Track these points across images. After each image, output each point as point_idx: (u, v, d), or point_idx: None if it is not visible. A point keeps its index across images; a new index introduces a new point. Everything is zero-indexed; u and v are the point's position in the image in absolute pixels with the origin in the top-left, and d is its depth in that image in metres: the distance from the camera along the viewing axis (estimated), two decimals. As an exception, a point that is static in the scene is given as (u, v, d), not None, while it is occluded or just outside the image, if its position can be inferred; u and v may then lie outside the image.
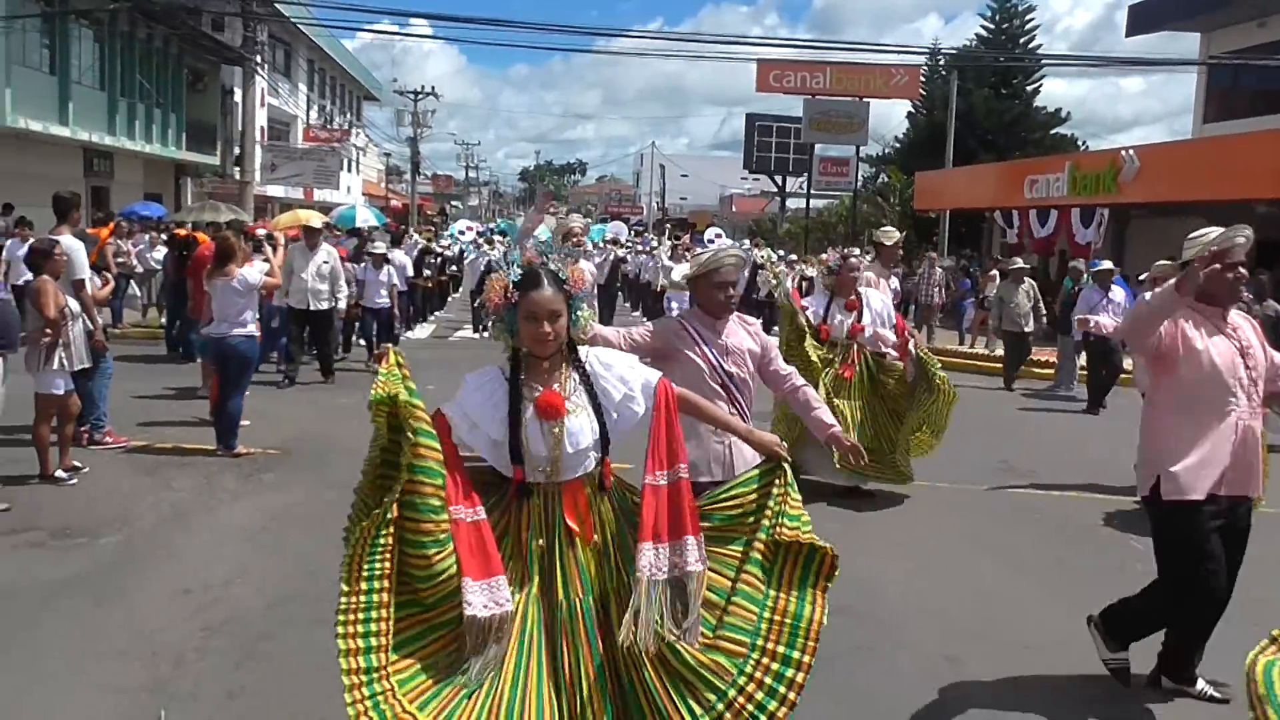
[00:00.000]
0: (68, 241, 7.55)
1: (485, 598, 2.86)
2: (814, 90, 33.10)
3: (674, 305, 15.42)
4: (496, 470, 3.10)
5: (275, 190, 34.36)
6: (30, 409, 7.11)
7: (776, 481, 3.19)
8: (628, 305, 24.94)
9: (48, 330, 6.97)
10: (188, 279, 11.78)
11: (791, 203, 50.31)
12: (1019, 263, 15.24)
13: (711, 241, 25.49)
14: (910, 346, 7.68)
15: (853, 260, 7.51)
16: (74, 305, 7.25)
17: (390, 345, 3.18)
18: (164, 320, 15.05)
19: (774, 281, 19.79)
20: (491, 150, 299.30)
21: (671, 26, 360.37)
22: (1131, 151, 20.11)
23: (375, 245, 13.88)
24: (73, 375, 7.19)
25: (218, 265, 8.29)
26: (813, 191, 39.95)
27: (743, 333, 4.59)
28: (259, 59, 24.18)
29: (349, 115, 51.49)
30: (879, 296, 7.66)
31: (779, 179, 50.36)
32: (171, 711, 3.89)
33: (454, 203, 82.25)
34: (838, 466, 6.88)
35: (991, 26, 38.61)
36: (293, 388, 11.51)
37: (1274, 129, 19.34)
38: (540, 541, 3.02)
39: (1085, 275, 13.93)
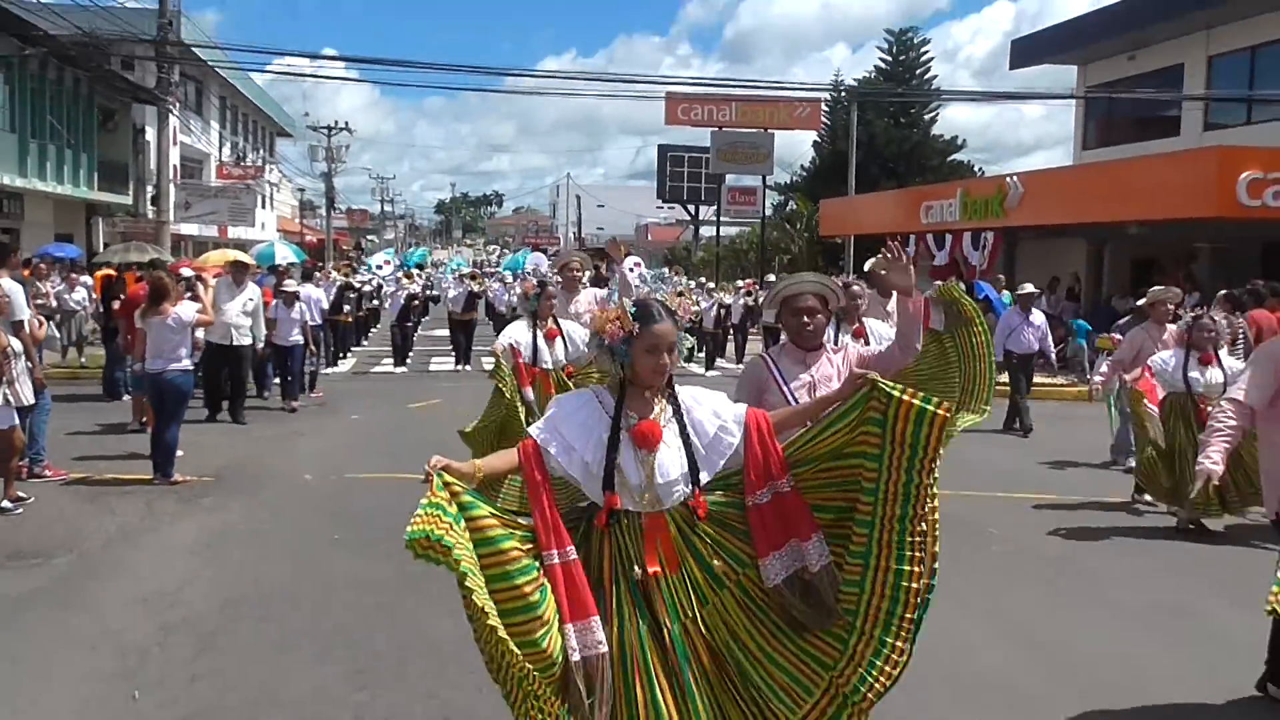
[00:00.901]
0: (8, 284, 8.02)
1: (578, 641, 2.92)
2: (721, 123, 34.24)
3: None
4: (577, 503, 3.20)
5: (189, 229, 34.30)
6: (-28, 446, 7.54)
7: (870, 399, 3.02)
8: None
9: (-9, 369, 7.41)
10: (117, 318, 12.10)
11: (705, 230, 51.55)
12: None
13: (631, 270, 26.09)
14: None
15: (855, 289, 7.14)
16: (16, 344, 7.71)
17: (434, 470, 2.86)
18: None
19: (694, 309, 20.54)
20: (407, 183, 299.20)
21: (584, 56, 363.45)
22: (1016, 178, 21.41)
23: (287, 283, 13.83)
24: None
25: (152, 304, 8.77)
26: (723, 219, 41.12)
27: (834, 366, 4.20)
28: (172, 99, 24.37)
29: (262, 151, 51.41)
30: (884, 326, 7.08)
31: (692, 208, 51.58)
32: (143, 694, 4.46)
33: (370, 237, 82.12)
34: None
35: (889, 59, 40.40)
36: (217, 423, 11.88)
37: (1143, 155, 20.85)
38: (630, 569, 3.05)
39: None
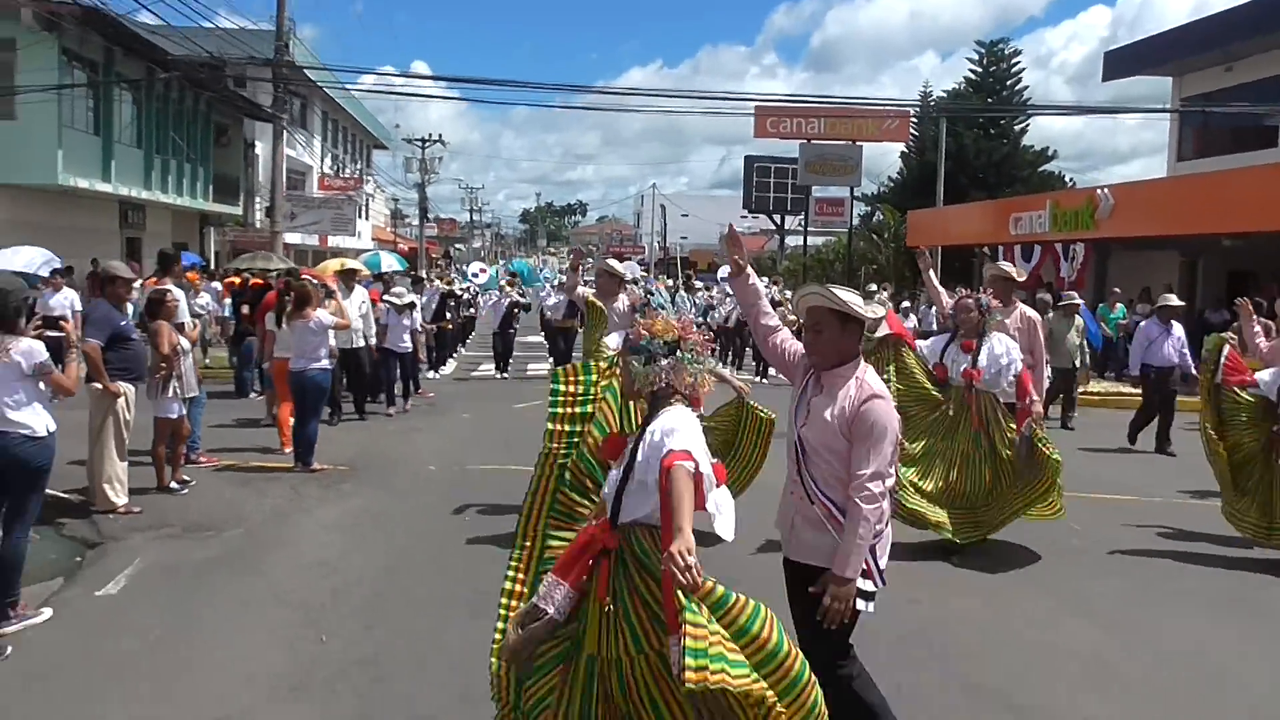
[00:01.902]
0: (175, 290, 8.94)
1: (544, 589, 3.02)
2: (809, 135, 34.62)
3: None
4: None
5: (292, 238, 35.78)
6: (142, 435, 8.46)
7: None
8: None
9: (163, 365, 8.33)
10: (248, 321, 13.08)
11: (791, 240, 51.82)
12: (1074, 297, 14.25)
13: (723, 279, 26.60)
14: (1026, 424, 6.89)
15: (967, 302, 6.90)
16: (185, 343, 8.62)
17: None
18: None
19: (791, 319, 20.73)
20: (493, 192, 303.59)
21: (670, 66, 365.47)
22: (1106, 190, 21.47)
23: (396, 292, 14.28)
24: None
25: (297, 309, 9.64)
26: (810, 230, 41.45)
27: (839, 397, 3.56)
28: (287, 116, 25.70)
29: (360, 163, 53.23)
30: (1004, 341, 6.96)
31: (778, 218, 51.92)
32: (330, 636, 5.22)
33: (457, 245, 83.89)
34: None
35: (979, 70, 40.35)
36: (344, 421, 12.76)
37: (1238, 168, 20.75)
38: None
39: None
